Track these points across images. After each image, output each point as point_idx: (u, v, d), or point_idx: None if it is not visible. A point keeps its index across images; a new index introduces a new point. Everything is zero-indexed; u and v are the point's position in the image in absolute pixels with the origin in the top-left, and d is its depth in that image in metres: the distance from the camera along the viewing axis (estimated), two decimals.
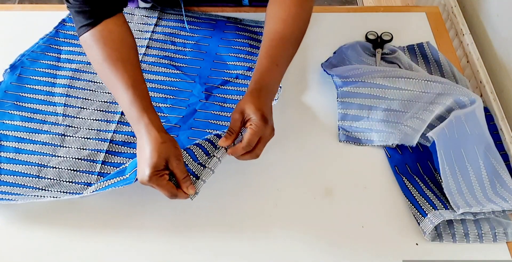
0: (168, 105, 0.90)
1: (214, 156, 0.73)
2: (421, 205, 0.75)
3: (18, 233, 0.76)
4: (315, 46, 0.99)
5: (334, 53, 0.97)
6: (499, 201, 0.76)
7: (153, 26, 1.03)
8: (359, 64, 0.95)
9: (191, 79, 0.94)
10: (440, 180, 0.78)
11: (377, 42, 1.00)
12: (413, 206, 0.76)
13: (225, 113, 0.89)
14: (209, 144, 0.74)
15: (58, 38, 1.01)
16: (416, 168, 0.82)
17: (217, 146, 0.74)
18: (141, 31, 1.02)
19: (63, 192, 0.78)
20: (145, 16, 1.05)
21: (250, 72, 0.95)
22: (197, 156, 0.72)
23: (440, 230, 0.75)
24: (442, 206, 0.75)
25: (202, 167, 0.72)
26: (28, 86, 0.93)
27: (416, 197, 0.77)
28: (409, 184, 0.79)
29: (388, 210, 0.78)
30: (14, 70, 0.95)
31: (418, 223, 0.75)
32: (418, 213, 0.75)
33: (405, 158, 0.83)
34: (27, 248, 0.74)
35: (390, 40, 1.00)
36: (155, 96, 0.91)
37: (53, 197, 0.77)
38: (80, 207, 0.78)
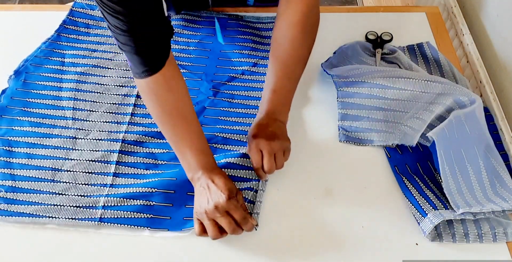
0: None
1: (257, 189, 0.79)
2: (421, 205, 0.75)
3: (18, 233, 0.76)
4: (315, 46, 0.99)
5: (334, 53, 0.97)
6: (499, 201, 0.76)
7: None
8: (359, 64, 0.95)
9: (197, 77, 0.94)
10: (440, 180, 0.78)
11: (377, 42, 1.00)
12: (413, 206, 0.76)
13: (234, 109, 0.90)
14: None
15: (60, 42, 1.00)
16: (416, 168, 0.82)
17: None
18: None
19: (78, 207, 0.77)
20: None
21: (255, 67, 0.96)
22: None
23: (440, 230, 0.75)
24: (442, 206, 0.75)
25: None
26: (34, 91, 0.92)
27: (416, 197, 0.77)
28: (409, 184, 0.79)
29: (388, 210, 0.78)
30: (19, 76, 0.94)
31: (418, 223, 0.75)
32: (418, 213, 0.75)
33: (405, 158, 0.83)
34: (27, 248, 0.74)
35: (390, 40, 1.00)
36: None
37: (68, 218, 0.76)
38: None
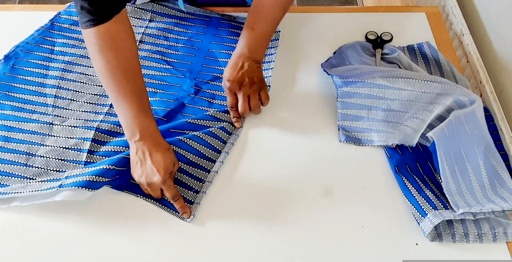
0: (157, 98, 0.91)
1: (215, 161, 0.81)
2: (421, 205, 0.76)
3: (18, 233, 0.76)
4: (315, 46, 1.00)
5: (334, 53, 0.97)
6: (499, 201, 0.76)
7: (147, 21, 1.03)
8: (359, 64, 0.95)
9: (181, 74, 0.95)
10: (440, 180, 0.78)
11: (377, 42, 1.00)
12: (413, 206, 0.76)
13: (213, 109, 0.89)
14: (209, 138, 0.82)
15: (53, 31, 1.01)
16: (416, 168, 0.82)
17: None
18: (135, 26, 1.02)
19: (44, 181, 0.78)
20: (140, 9, 1.04)
21: None
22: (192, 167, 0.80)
23: (440, 230, 0.75)
24: (442, 206, 0.75)
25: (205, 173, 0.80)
26: (21, 77, 0.94)
27: (416, 197, 0.77)
28: (409, 184, 0.79)
29: (388, 210, 0.78)
30: (8, 61, 0.96)
31: (418, 223, 0.75)
32: (418, 213, 0.75)
33: (405, 158, 0.83)
34: (27, 248, 0.74)
35: (390, 40, 1.00)
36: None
37: (34, 190, 0.75)
38: (80, 206, 0.78)
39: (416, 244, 0.74)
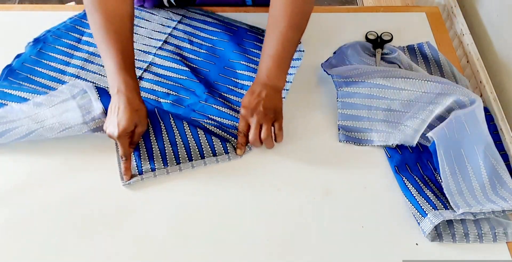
0: (169, 101, 0.90)
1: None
2: (421, 205, 0.75)
3: (17, 233, 0.76)
4: (315, 46, 0.99)
5: (334, 53, 0.97)
6: (499, 201, 0.76)
7: (176, 22, 1.03)
8: (359, 64, 0.95)
9: (197, 79, 0.93)
10: (440, 180, 0.78)
11: (377, 42, 1.00)
12: (413, 206, 0.76)
13: (222, 119, 0.88)
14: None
15: (84, 20, 1.02)
16: (416, 168, 0.82)
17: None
18: (164, 25, 1.02)
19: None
20: (171, 11, 1.05)
21: None
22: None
23: (440, 230, 0.75)
24: (442, 206, 0.75)
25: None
26: (45, 61, 0.95)
27: (416, 197, 0.77)
28: (409, 184, 0.79)
29: (388, 210, 0.78)
30: (37, 44, 0.98)
31: (418, 223, 0.75)
32: (418, 213, 0.75)
33: (405, 158, 0.83)
34: (26, 248, 0.74)
35: (390, 40, 1.00)
36: (158, 90, 0.92)
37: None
38: (78, 206, 0.78)
39: (416, 244, 0.74)
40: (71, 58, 0.96)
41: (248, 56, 0.97)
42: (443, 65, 0.95)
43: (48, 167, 0.82)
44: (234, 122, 0.87)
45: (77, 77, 0.93)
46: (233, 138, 0.84)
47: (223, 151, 0.83)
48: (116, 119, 0.78)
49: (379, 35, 1.01)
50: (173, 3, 1.04)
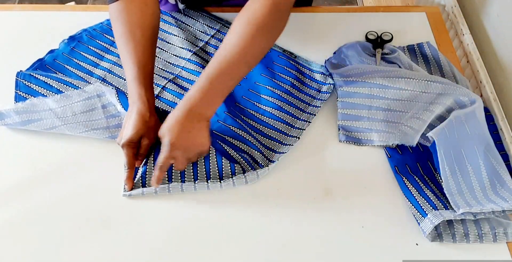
0: None
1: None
2: (421, 205, 0.75)
3: (17, 233, 0.76)
4: (315, 46, 0.99)
5: (334, 53, 0.97)
6: (499, 201, 0.76)
7: (209, 37, 1.00)
8: (359, 64, 0.95)
9: None
10: (440, 180, 0.78)
11: (377, 42, 1.00)
12: (413, 206, 0.76)
13: (236, 141, 0.84)
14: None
15: None
16: (416, 168, 0.82)
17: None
18: (197, 38, 1.00)
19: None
20: (206, 25, 1.02)
21: (279, 111, 0.88)
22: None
23: (440, 230, 0.75)
24: (442, 206, 0.75)
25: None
26: (76, 60, 0.96)
27: (416, 197, 0.77)
28: (409, 184, 0.79)
29: (388, 210, 0.78)
30: (71, 42, 0.98)
31: (418, 223, 0.75)
32: (418, 213, 0.75)
33: (405, 158, 0.83)
34: (26, 248, 0.74)
35: (390, 40, 1.00)
36: (181, 92, 0.91)
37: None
38: (78, 206, 0.78)
39: (416, 244, 0.74)
40: (101, 60, 0.96)
41: (276, 81, 0.92)
42: (443, 65, 0.95)
43: (48, 167, 0.82)
44: (249, 147, 0.83)
45: (103, 80, 0.93)
46: (244, 162, 0.81)
47: (231, 173, 0.80)
48: (124, 128, 0.79)
49: (379, 35, 1.01)
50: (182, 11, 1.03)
